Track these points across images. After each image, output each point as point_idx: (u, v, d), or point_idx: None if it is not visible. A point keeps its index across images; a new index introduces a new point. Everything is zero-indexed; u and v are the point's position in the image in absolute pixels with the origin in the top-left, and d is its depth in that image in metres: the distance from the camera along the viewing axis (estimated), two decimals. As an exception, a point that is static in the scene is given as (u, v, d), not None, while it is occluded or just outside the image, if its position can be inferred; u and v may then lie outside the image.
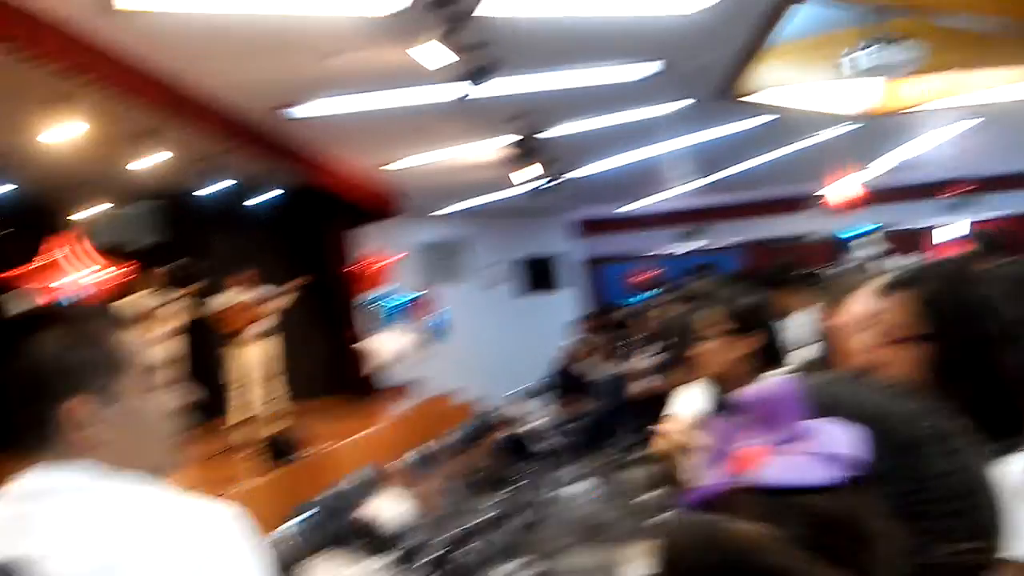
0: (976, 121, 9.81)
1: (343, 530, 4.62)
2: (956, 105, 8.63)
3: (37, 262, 5.21)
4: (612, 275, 15.28)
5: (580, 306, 14.24)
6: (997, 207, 13.90)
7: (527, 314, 13.49)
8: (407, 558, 4.71)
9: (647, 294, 10.02)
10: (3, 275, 5.19)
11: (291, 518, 4.48)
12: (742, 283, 2.94)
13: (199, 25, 5.38)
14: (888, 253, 13.01)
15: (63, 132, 6.51)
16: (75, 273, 5.28)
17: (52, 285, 5.18)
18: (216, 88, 6.78)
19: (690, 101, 8.18)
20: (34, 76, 5.51)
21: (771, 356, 2.59)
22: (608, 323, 11.01)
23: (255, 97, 7.07)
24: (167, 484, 1.17)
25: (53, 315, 1.20)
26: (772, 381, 0.71)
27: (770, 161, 11.32)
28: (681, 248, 15.05)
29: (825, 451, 0.64)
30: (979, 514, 0.70)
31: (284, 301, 9.37)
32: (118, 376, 1.16)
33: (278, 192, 10.25)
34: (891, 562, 0.63)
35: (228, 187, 9.44)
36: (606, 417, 10.57)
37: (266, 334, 9.33)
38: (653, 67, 7.09)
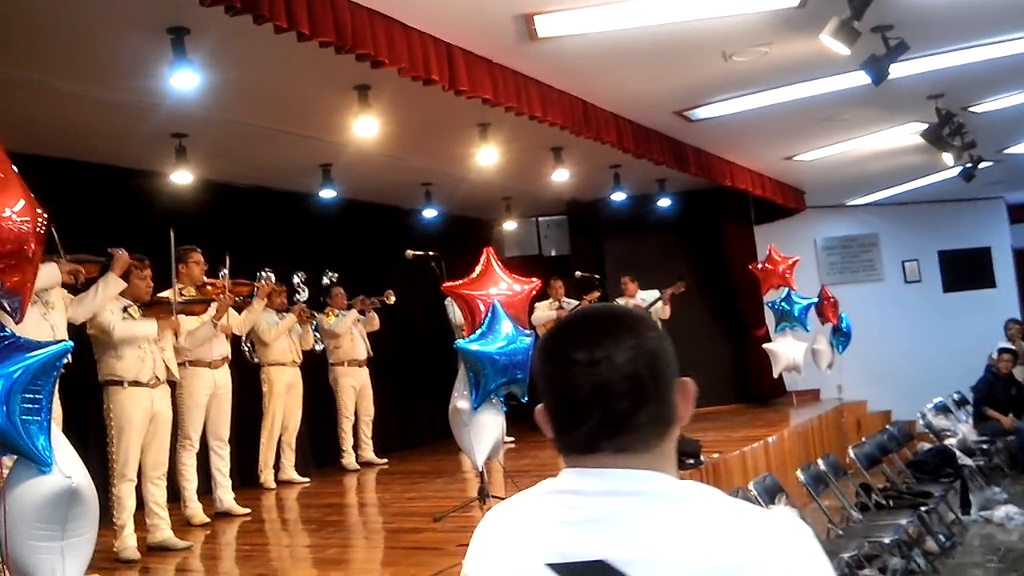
0: None
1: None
2: None
3: (463, 278, 5.84)
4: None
5: (1018, 303, 12.64)
6: None
7: (952, 314, 12.23)
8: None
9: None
10: (445, 287, 5.90)
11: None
12: None
13: (607, 41, 5.65)
14: None
15: (482, 156, 7.23)
16: (497, 286, 5.84)
17: (478, 295, 5.77)
18: (620, 100, 7.07)
19: None
20: (460, 108, 6.18)
21: None
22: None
23: (658, 104, 7.27)
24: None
25: (628, 315, 1.23)
26: None
27: None
28: None
29: None
30: None
31: (662, 310, 9.49)
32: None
33: (679, 194, 10.46)
34: None
35: (631, 193, 9.84)
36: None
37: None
38: None
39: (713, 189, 10.27)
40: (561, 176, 8.39)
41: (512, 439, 8.83)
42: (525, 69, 6.06)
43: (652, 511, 1.10)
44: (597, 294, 9.54)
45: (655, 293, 9.65)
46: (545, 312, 9.41)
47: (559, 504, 1.16)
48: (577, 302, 9.52)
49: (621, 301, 9.61)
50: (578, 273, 9.50)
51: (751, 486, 5.35)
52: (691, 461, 5.95)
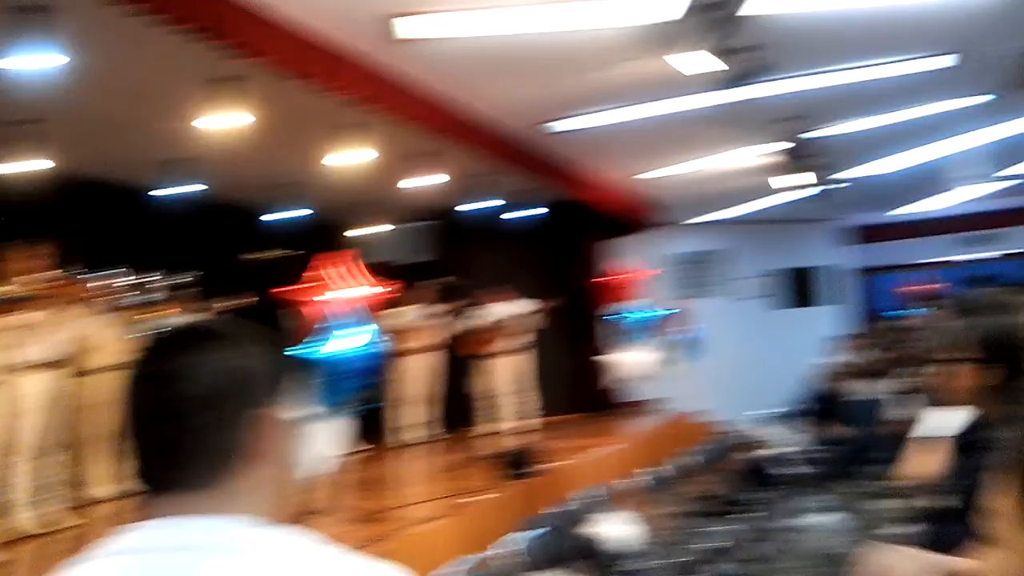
0: None
1: (568, 548, 4.74)
2: None
3: (308, 280, 5.75)
4: (884, 286, 14.27)
5: (846, 321, 13.45)
6: None
7: (786, 330, 12.91)
8: (630, 581, 4.75)
9: (921, 308, 9.31)
10: (278, 291, 5.78)
11: (518, 532, 4.65)
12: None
13: (471, 49, 5.69)
14: None
15: (348, 158, 7.11)
16: (344, 289, 5.79)
17: (320, 300, 5.71)
18: (484, 109, 7.12)
19: (988, 97, 7.48)
20: (325, 107, 6.06)
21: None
22: (873, 340, 10.33)
23: (520, 115, 7.36)
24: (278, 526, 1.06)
25: (216, 330, 1.11)
26: None
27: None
28: (965, 256, 13.73)
29: None
30: None
31: (536, 320, 9.63)
32: (279, 397, 1.08)
33: (539, 207, 10.60)
34: None
35: (493, 204, 9.90)
36: (860, 443, 9.92)
37: (520, 349, 9.69)
38: (946, 60, 6.55)
39: (571, 202, 10.46)
40: (425, 182, 8.36)
41: (371, 447, 8.73)
42: (389, 71, 6.02)
43: (210, 571, 0.97)
44: (460, 303, 9.53)
45: (532, 304, 9.63)
46: (401, 319, 9.34)
47: (124, 568, 1.00)
48: (444, 307, 9.47)
49: (487, 309, 9.64)
50: (441, 280, 9.50)
51: (586, 494, 5.50)
52: (521, 471, 6.05)
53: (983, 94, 7.48)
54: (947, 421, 2.89)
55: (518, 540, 4.46)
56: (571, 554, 4.73)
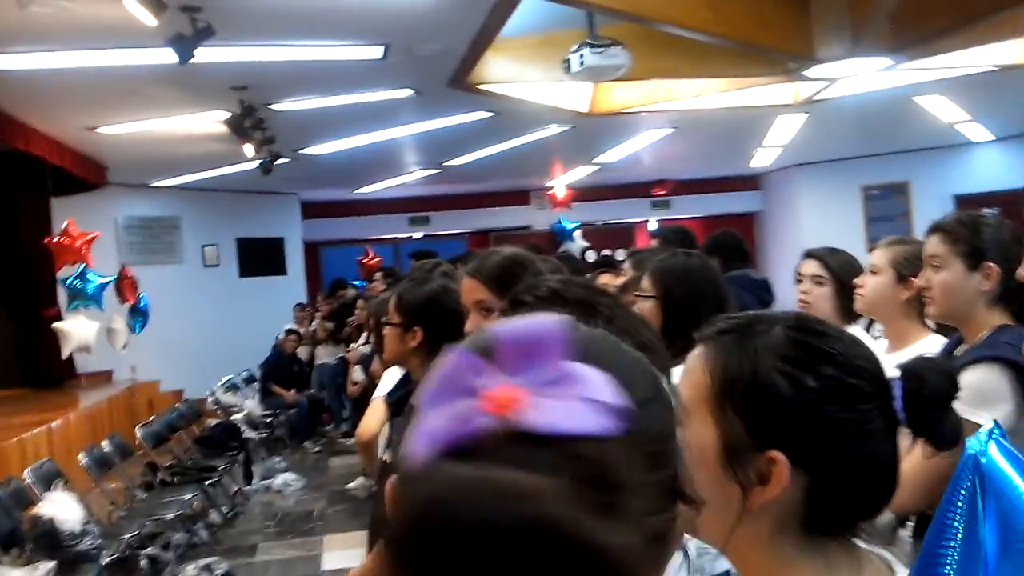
0: (671, 130, 10.65)
1: (13, 531, 4.25)
2: (660, 110, 9.22)
3: None
4: (340, 259, 15.17)
5: (305, 290, 14.03)
6: (691, 209, 15.29)
7: (248, 298, 12.94)
8: (84, 560, 4.43)
9: (372, 280, 10.08)
10: None
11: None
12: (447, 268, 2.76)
13: None
14: (589, 248, 13.95)
15: None
16: None
17: None
18: None
19: (410, 92, 8.21)
20: None
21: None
22: (332, 308, 10.94)
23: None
24: None
25: None
26: (535, 319, 0.62)
27: (492, 155, 11.63)
28: (409, 234, 15.25)
29: (593, 397, 0.58)
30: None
31: None
32: None
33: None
34: (644, 516, 0.59)
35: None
36: (323, 404, 10.52)
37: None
38: (376, 51, 7.01)
39: (10, 152, 9.27)
40: None
41: None
42: None
43: None
44: None
45: None
46: None
47: None
48: None
49: None
50: None
51: (26, 474, 4.98)
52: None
53: (407, 88, 8.22)
54: (390, 382, 3.21)
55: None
56: (16, 536, 4.25)
